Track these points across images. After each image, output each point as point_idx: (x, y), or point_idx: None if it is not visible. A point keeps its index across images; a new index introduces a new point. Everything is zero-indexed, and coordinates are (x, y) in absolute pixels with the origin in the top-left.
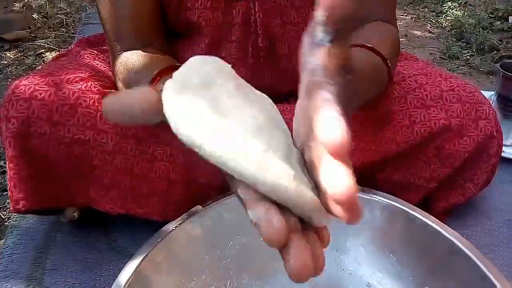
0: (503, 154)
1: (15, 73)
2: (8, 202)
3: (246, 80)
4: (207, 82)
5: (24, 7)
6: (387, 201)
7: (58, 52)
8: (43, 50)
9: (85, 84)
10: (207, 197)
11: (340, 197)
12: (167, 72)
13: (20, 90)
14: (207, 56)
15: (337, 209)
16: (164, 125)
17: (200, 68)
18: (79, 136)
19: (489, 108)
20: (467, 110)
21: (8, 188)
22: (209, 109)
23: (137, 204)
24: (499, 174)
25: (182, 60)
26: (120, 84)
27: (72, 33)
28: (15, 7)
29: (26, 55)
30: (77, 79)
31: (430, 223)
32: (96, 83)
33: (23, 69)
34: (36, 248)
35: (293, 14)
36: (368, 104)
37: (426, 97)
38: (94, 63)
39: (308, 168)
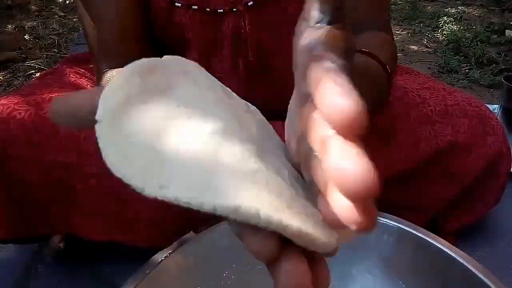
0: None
1: (3, 95)
2: None
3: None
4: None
5: (16, 29)
6: (394, 223)
7: None
8: (33, 71)
9: None
10: (198, 223)
11: (355, 188)
12: None
13: None
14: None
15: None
16: None
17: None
18: (61, 159)
19: (497, 123)
20: (474, 126)
21: None
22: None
23: (122, 231)
24: (509, 191)
25: None
26: None
27: (64, 54)
28: (7, 28)
29: (15, 76)
30: None
31: (440, 246)
32: None
33: (11, 90)
34: (15, 282)
35: (284, 27)
36: (370, 119)
37: (431, 113)
38: (79, 82)
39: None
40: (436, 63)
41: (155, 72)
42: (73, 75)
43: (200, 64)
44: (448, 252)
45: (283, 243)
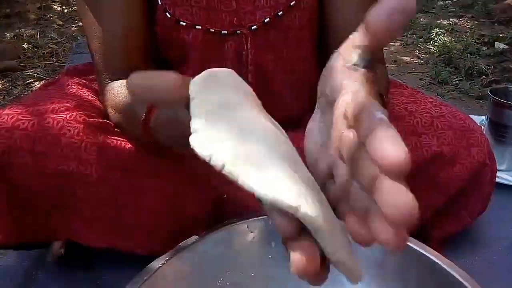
0: (497, 180)
1: (2, 103)
2: None
3: None
4: (225, 108)
5: (15, 37)
6: None
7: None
8: (32, 80)
9: (70, 114)
10: (195, 231)
11: (401, 218)
12: None
13: (2, 119)
14: (212, 71)
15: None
16: (156, 156)
17: (215, 91)
18: (62, 167)
19: (481, 135)
20: (459, 137)
21: None
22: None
23: (121, 237)
24: (495, 200)
25: None
26: (111, 112)
27: (62, 63)
28: (5, 37)
29: (14, 84)
30: (63, 108)
31: (427, 254)
32: (81, 112)
33: (10, 99)
34: None
35: (285, 50)
36: None
37: (417, 124)
38: (81, 93)
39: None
40: (427, 74)
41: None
42: (75, 85)
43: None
44: (434, 259)
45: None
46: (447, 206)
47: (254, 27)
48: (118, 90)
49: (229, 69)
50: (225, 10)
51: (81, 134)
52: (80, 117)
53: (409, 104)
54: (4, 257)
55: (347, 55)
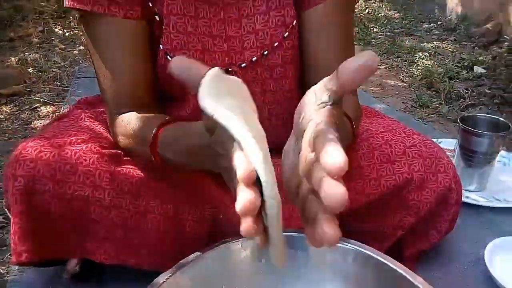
0: (466, 200)
1: (11, 128)
2: (6, 257)
3: None
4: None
5: (20, 61)
6: (359, 248)
7: (52, 106)
8: (38, 105)
9: (85, 145)
10: (194, 248)
11: (334, 205)
12: (168, 123)
13: (27, 151)
14: (216, 70)
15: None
16: (159, 181)
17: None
18: (79, 192)
19: (448, 163)
20: (427, 165)
21: (11, 242)
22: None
23: (130, 255)
24: (464, 218)
25: None
26: (120, 139)
27: (66, 87)
28: (11, 61)
29: (21, 109)
30: (79, 140)
31: (397, 269)
32: (95, 144)
33: (19, 124)
34: None
35: (271, 84)
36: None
37: (391, 153)
38: (94, 125)
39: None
40: (410, 97)
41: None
42: (88, 119)
43: (196, 114)
44: (403, 274)
45: None
46: (418, 226)
47: (243, 64)
48: (127, 120)
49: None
50: (218, 51)
51: (96, 163)
52: (94, 148)
53: (386, 134)
54: (23, 274)
55: (319, 94)
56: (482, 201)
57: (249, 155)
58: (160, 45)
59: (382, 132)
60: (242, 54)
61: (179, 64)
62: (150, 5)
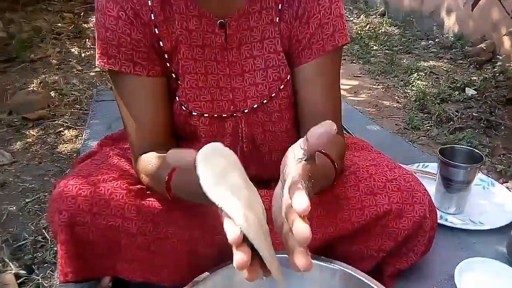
0: (445, 223)
1: (40, 152)
2: (48, 273)
3: None
4: (223, 171)
5: (41, 83)
6: (343, 268)
7: (75, 130)
8: (62, 129)
9: (116, 183)
10: (207, 266)
11: (302, 240)
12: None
13: (69, 189)
14: (213, 145)
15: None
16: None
17: (215, 160)
18: (112, 223)
19: (423, 194)
20: (405, 197)
21: (58, 264)
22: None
23: (153, 274)
24: (442, 239)
25: None
26: (142, 177)
27: (85, 110)
28: (33, 83)
29: (47, 133)
30: (110, 178)
31: (375, 286)
32: (124, 181)
33: (46, 148)
34: None
35: (270, 125)
36: (331, 192)
37: (374, 186)
38: (121, 163)
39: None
40: (403, 119)
41: (219, 155)
42: (115, 157)
43: None
44: None
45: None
46: (397, 249)
47: (246, 110)
48: (148, 160)
49: (221, 144)
50: (225, 99)
51: (124, 198)
52: (123, 185)
53: (371, 167)
54: None
55: (297, 152)
56: (458, 224)
57: (235, 221)
58: (176, 97)
59: (367, 166)
60: (245, 102)
61: (174, 157)
62: (168, 65)
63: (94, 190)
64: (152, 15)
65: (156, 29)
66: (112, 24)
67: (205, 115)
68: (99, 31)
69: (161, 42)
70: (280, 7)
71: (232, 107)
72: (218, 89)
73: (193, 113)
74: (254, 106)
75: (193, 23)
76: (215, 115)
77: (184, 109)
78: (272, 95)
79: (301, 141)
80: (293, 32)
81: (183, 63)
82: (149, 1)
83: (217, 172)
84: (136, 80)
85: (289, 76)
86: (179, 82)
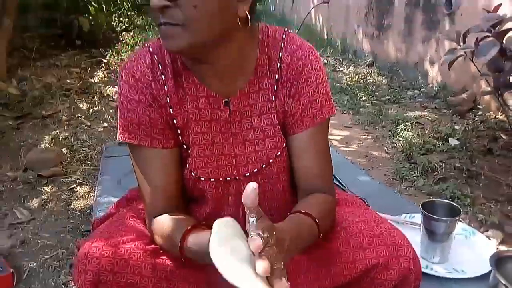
0: (430, 272)
1: (56, 209)
2: None
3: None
4: (229, 238)
5: (53, 140)
6: None
7: (87, 187)
8: (75, 185)
9: (134, 243)
10: None
11: None
12: (191, 230)
13: (93, 250)
14: (226, 219)
15: None
16: (185, 267)
17: (225, 229)
18: (131, 280)
19: (407, 248)
20: (391, 251)
21: None
22: (235, 258)
23: None
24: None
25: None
26: (157, 238)
27: (96, 166)
28: (45, 139)
29: (61, 190)
30: (128, 240)
31: None
32: (140, 242)
33: (61, 205)
34: None
35: (269, 187)
36: (325, 247)
37: (363, 242)
38: (136, 224)
39: None
40: (391, 170)
41: (230, 226)
42: (132, 218)
43: (212, 212)
44: None
45: None
46: None
47: (247, 174)
48: (162, 222)
49: (232, 218)
50: (229, 165)
51: (142, 257)
52: (140, 245)
53: (360, 223)
54: None
55: (249, 218)
56: (442, 273)
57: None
58: (187, 165)
59: (357, 222)
60: (246, 167)
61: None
62: (180, 138)
63: (115, 251)
64: (168, 98)
65: (171, 109)
66: (134, 106)
67: (211, 179)
68: (122, 111)
69: (175, 120)
70: (275, 88)
71: (235, 171)
72: (223, 156)
73: (201, 178)
74: (255, 170)
75: (202, 102)
76: (220, 179)
77: (193, 175)
78: (270, 161)
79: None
80: (287, 108)
81: (193, 136)
82: (165, 87)
83: (223, 237)
84: (152, 152)
85: (284, 144)
86: (189, 152)
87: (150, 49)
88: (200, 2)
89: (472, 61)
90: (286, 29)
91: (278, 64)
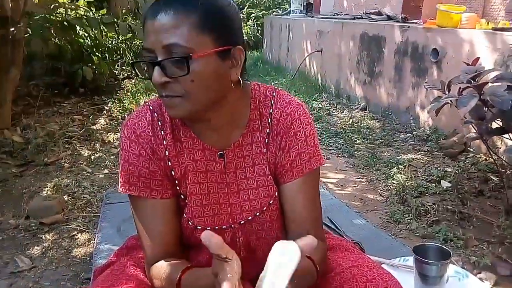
0: None
1: (57, 257)
2: None
3: None
4: None
5: (55, 187)
6: None
7: (87, 234)
8: (76, 232)
9: None
10: None
11: None
12: (188, 268)
13: None
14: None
15: None
16: None
17: None
18: None
19: None
20: None
21: None
22: None
23: None
24: None
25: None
26: (155, 281)
27: (96, 213)
28: (47, 187)
29: (62, 237)
30: None
31: None
32: None
33: (62, 253)
34: None
35: (263, 233)
36: None
37: (356, 287)
38: (137, 273)
39: None
40: (385, 213)
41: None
42: (132, 267)
43: (209, 259)
44: None
45: None
46: None
47: (242, 222)
48: (160, 266)
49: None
50: (224, 213)
51: None
52: None
53: (353, 268)
54: None
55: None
56: None
57: None
58: (184, 214)
59: (350, 267)
60: (241, 215)
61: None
62: (178, 188)
63: None
64: (166, 151)
65: (169, 162)
66: (134, 160)
67: (208, 228)
68: (123, 165)
69: (173, 171)
70: (267, 141)
71: (230, 219)
72: (219, 205)
73: (198, 227)
74: (249, 218)
75: (199, 154)
76: (216, 228)
77: (191, 224)
78: (264, 209)
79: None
80: (278, 159)
81: (190, 187)
82: (164, 141)
83: None
84: (151, 202)
85: (276, 192)
86: (186, 202)
87: (151, 107)
88: (197, 77)
89: (457, 108)
90: (275, 87)
91: (269, 119)
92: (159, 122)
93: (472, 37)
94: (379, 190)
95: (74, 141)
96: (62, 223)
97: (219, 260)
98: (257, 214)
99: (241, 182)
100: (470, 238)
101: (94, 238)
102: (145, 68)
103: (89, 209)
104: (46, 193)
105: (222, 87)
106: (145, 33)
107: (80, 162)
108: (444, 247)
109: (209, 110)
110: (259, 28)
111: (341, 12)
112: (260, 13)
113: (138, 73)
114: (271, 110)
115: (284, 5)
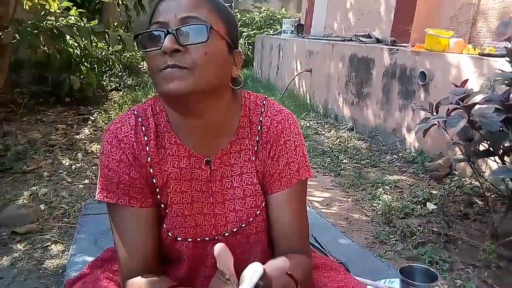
0: None
1: (27, 268)
2: None
3: None
4: None
5: (31, 196)
6: None
7: (62, 245)
8: (49, 243)
9: None
10: None
11: None
12: None
13: None
14: None
15: None
16: None
17: None
18: None
19: None
20: None
21: None
22: None
23: None
24: None
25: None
26: None
27: (73, 224)
28: (23, 195)
29: (34, 247)
30: None
31: None
32: None
33: (33, 264)
34: None
35: (248, 247)
36: None
37: None
38: (110, 287)
39: None
40: (371, 233)
41: None
42: (106, 280)
43: (189, 273)
44: None
45: None
46: None
47: (227, 234)
48: (137, 284)
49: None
50: (207, 224)
51: None
52: None
53: None
54: None
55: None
56: None
57: None
58: (164, 225)
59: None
60: (225, 226)
61: None
62: (158, 197)
63: None
64: (149, 158)
65: (151, 169)
66: (114, 166)
67: (189, 239)
68: (103, 171)
69: (154, 179)
70: (256, 149)
71: (214, 231)
72: (202, 215)
73: (178, 239)
74: (234, 230)
75: (184, 162)
76: (198, 239)
77: (170, 235)
78: (250, 220)
79: (259, 271)
80: (266, 168)
81: (172, 195)
82: (147, 147)
83: None
84: (129, 211)
85: (264, 203)
86: (167, 211)
87: (135, 112)
88: (211, 50)
89: (445, 130)
90: (266, 96)
91: (259, 126)
92: (143, 128)
93: (460, 61)
94: (365, 210)
95: (56, 150)
96: (36, 233)
97: (221, 280)
98: (243, 225)
99: (227, 191)
100: (456, 261)
101: (69, 250)
102: (145, 43)
103: (66, 219)
104: (22, 201)
105: (225, 76)
106: (158, 12)
107: (61, 171)
108: (431, 269)
109: (205, 100)
110: (250, 46)
111: (331, 34)
112: (252, 32)
113: (138, 46)
114: (261, 118)
115: (276, 25)
